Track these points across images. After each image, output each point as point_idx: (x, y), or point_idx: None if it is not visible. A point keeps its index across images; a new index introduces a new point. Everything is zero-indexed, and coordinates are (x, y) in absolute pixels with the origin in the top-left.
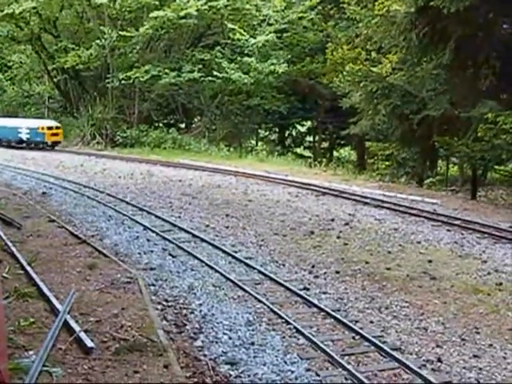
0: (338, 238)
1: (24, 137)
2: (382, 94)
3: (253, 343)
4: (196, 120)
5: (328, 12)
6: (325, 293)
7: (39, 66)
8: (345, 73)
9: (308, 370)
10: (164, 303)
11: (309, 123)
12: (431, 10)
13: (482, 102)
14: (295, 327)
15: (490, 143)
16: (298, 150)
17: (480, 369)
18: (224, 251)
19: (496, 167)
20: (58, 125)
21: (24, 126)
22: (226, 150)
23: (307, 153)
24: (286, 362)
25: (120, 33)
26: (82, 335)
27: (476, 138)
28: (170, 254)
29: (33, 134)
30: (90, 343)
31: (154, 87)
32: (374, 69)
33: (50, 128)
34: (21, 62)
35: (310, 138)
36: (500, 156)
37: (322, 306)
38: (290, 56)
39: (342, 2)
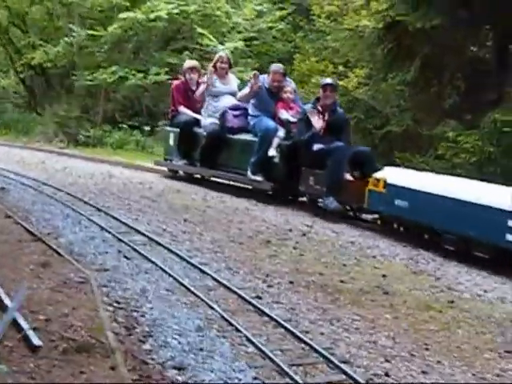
0: (295, 248)
1: None
2: (347, 107)
3: (202, 349)
4: (160, 123)
5: (298, 23)
6: (277, 302)
7: (6, 60)
8: (311, 84)
9: (255, 378)
10: (115, 305)
11: None
12: (398, 27)
13: (445, 121)
14: (245, 335)
15: (450, 162)
16: None
17: None
18: (179, 256)
19: None
20: None
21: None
22: None
23: None
24: (233, 370)
25: (89, 32)
26: (30, 333)
27: (437, 157)
28: (125, 256)
29: None
30: (37, 341)
31: (120, 88)
32: (341, 82)
33: None
34: None
35: None
36: (460, 175)
37: (274, 316)
38: (257, 64)
39: (312, 14)
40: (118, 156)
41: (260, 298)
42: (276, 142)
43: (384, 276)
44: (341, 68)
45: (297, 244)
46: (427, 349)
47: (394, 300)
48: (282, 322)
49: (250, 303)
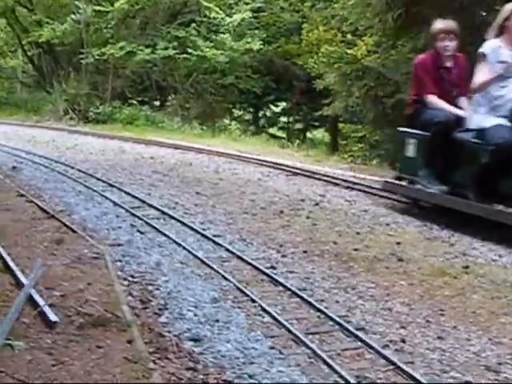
0: (308, 218)
1: None
2: (357, 76)
3: (217, 320)
4: (170, 98)
5: None
6: (291, 272)
7: (13, 39)
8: (320, 54)
9: (272, 348)
10: (130, 279)
11: (283, 104)
12: None
13: None
14: (260, 305)
15: None
16: (272, 131)
17: (443, 350)
18: (192, 228)
19: None
20: None
21: None
22: (200, 128)
23: (281, 133)
24: (249, 340)
25: (95, 8)
26: (46, 309)
27: None
28: (138, 231)
29: None
30: (53, 317)
31: (129, 64)
32: (349, 51)
33: None
34: None
35: (284, 119)
36: None
37: (288, 285)
38: (265, 36)
39: None
40: (128, 132)
41: (274, 268)
42: None
43: (398, 243)
44: (349, 36)
45: (310, 213)
46: (442, 315)
47: (409, 267)
48: (297, 292)
49: (264, 273)
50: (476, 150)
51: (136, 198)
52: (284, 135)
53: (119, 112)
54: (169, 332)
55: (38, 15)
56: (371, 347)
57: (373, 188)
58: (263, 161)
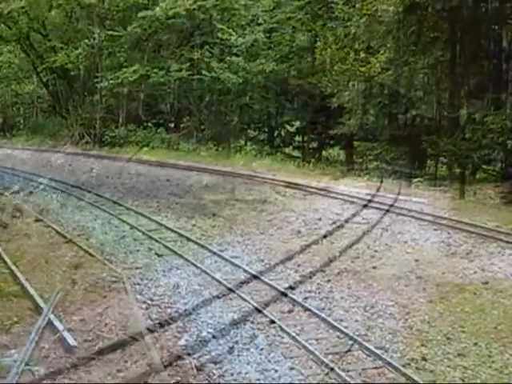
0: (325, 237)
1: None
2: (370, 93)
3: (237, 342)
4: (185, 120)
5: (317, 12)
6: (310, 291)
7: (28, 65)
8: (333, 72)
9: (292, 368)
10: (149, 302)
11: (298, 123)
12: (418, 9)
13: (470, 102)
14: (280, 326)
15: (477, 143)
16: (287, 150)
17: (465, 367)
18: (210, 250)
19: (484, 167)
20: None
21: None
22: (215, 149)
23: (296, 153)
24: (269, 361)
25: (108, 32)
26: (66, 334)
27: (464, 138)
28: (156, 254)
29: None
30: (73, 342)
31: (143, 87)
32: (363, 68)
33: None
34: (9, 62)
35: (299, 138)
36: (487, 155)
37: (307, 305)
38: (278, 56)
39: (330, 2)
40: (144, 154)
41: (293, 288)
42: None
43: (416, 260)
44: (362, 54)
45: (327, 232)
46: (463, 331)
47: (428, 284)
48: (316, 311)
49: (283, 294)
50: None
51: (153, 220)
52: (299, 154)
53: (135, 135)
54: (188, 355)
55: (52, 41)
56: (392, 366)
57: (389, 205)
58: (279, 180)
